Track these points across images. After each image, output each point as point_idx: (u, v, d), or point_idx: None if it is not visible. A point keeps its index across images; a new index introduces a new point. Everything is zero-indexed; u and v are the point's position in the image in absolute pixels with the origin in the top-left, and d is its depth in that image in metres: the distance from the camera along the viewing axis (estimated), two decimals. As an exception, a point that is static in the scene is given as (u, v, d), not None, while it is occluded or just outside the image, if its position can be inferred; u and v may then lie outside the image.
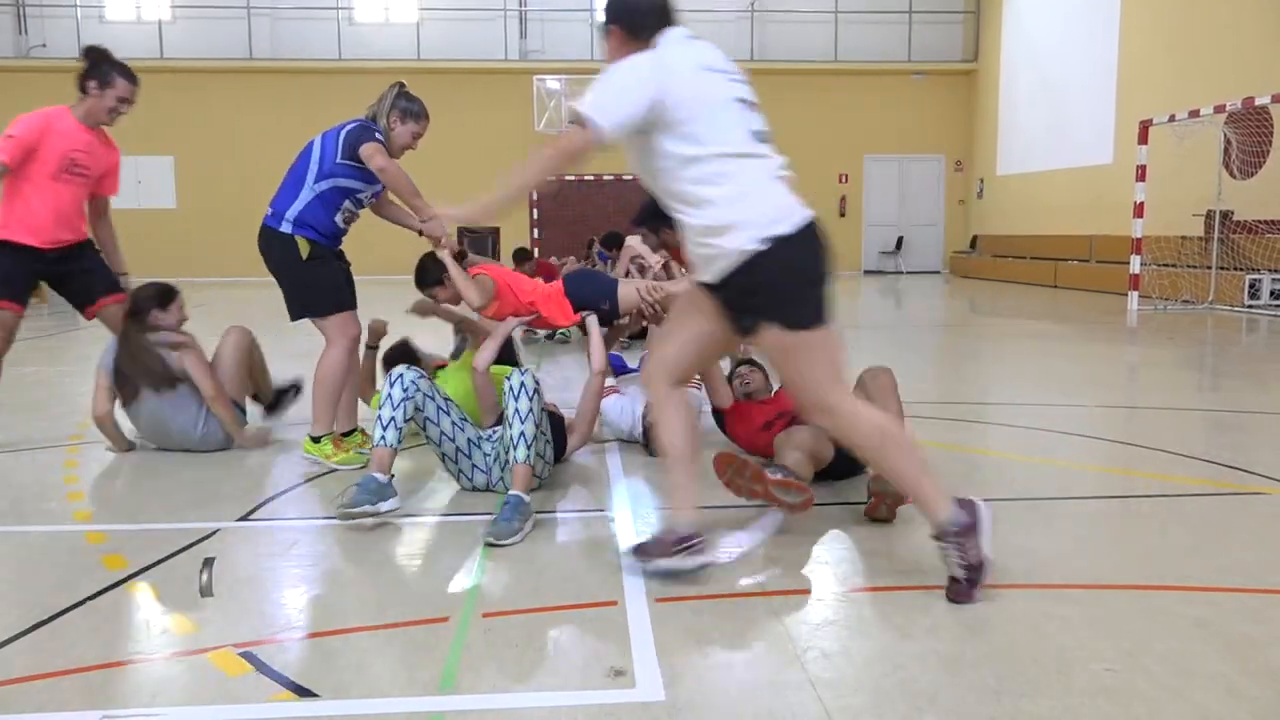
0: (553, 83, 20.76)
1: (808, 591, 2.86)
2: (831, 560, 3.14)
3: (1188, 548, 3.21)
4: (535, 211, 21.56)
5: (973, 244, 21.40)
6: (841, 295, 16.58)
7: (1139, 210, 12.68)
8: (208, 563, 3.08)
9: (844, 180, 21.93)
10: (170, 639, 2.52)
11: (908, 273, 21.79)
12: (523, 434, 3.46)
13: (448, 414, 3.75)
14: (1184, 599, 2.75)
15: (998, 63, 20.62)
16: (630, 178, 20.96)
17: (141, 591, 2.87)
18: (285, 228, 4.25)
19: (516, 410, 3.50)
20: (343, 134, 4.25)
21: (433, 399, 3.68)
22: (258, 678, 2.30)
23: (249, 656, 2.40)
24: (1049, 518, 3.60)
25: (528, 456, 3.45)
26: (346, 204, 4.33)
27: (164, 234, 20.34)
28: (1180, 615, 2.62)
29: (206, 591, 2.86)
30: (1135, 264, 12.80)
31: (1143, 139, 12.76)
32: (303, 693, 2.22)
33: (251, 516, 3.62)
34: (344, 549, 3.24)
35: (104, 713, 2.15)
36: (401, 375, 3.54)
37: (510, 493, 3.38)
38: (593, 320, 4.57)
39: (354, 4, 21.21)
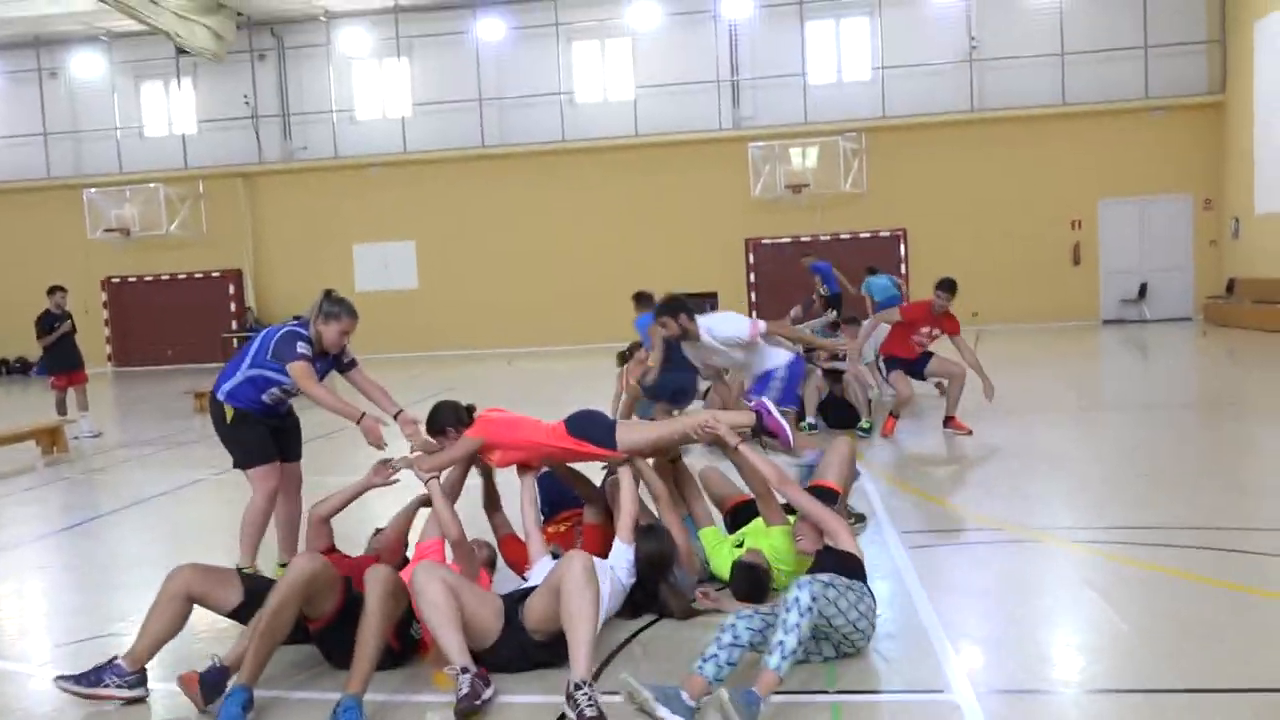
0: (766, 148, 21.00)
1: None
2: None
3: None
4: (753, 275, 21.70)
5: (1229, 288, 19.73)
6: (1073, 352, 15.21)
7: None
8: None
9: (1077, 226, 20.80)
10: None
11: (1153, 321, 20.33)
12: (781, 644, 3.36)
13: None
14: None
15: (1250, 92, 19.04)
16: (847, 236, 20.83)
17: None
18: (220, 396, 5.11)
19: (784, 620, 3.42)
20: (275, 339, 4.97)
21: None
22: None
23: None
24: None
25: (779, 667, 3.35)
26: (273, 389, 5.07)
27: (408, 313, 21.93)
28: None
29: None
30: None
31: None
32: None
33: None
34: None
35: None
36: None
37: (749, 691, 3.25)
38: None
39: (575, 88, 22.27)
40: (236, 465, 5.19)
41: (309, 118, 22.89)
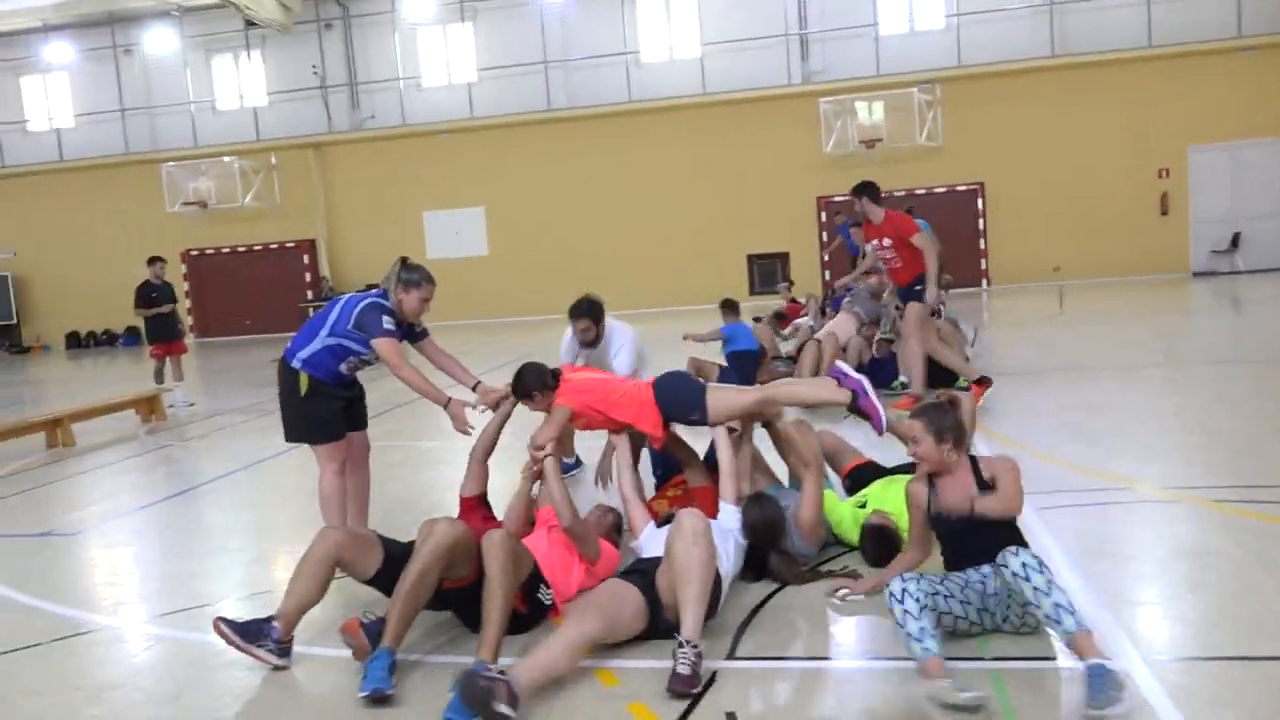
0: (837, 103, 20.51)
1: None
2: None
3: None
4: (825, 234, 21.32)
5: (1330, 235, 18.87)
6: (1164, 305, 14.63)
7: None
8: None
9: (1165, 175, 20.02)
10: None
11: (1247, 271, 19.54)
12: (1057, 604, 3.19)
13: (952, 597, 3.52)
14: None
15: (1353, 27, 18.08)
16: (922, 191, 20.21)
17: None
18: (295, 364, 4.84)
19: (1036, 589, 3.23)
20: (358, 309, 4.77)
21: (938, 595, 3.46)
22: None
23: None
24: None
25: (1080, 625, 3.17)
26: (351, 358, 4.88)
27: (480, 279, 22.00)
28: None
29: None
30: None
31: None
32: None
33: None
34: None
35: None
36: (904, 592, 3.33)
37: (1094, 663, 3.06)
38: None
39: (640, 47, 21.96)
40: (296, 440, 4.96)
41: (376, 86, 22.98)
